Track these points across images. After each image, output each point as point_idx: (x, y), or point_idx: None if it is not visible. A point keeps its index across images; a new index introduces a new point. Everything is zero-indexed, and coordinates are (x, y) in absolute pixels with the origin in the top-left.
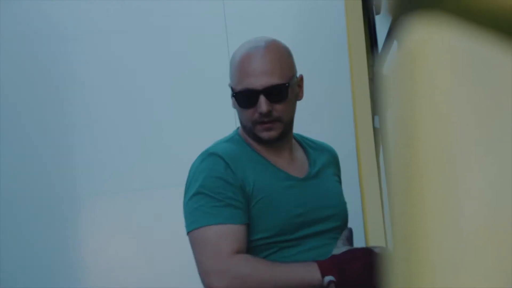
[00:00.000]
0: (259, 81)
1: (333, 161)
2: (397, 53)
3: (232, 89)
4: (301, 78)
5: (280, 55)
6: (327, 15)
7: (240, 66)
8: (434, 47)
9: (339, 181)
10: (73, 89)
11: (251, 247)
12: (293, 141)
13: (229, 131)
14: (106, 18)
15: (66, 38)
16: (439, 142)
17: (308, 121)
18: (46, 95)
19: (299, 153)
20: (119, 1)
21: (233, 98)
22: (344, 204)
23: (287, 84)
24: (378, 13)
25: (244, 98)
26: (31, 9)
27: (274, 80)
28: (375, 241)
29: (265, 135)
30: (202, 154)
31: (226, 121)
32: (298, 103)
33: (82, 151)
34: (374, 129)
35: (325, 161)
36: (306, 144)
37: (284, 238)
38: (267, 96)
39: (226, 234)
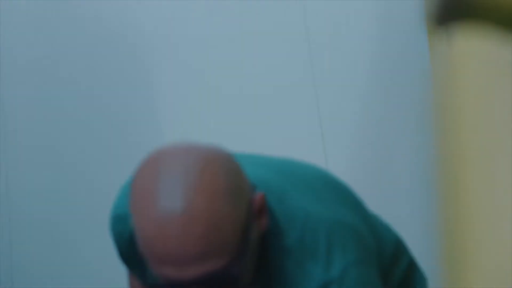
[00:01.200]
0: (186, 271)
1: None
2: (440, 61)
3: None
4: (261, 198)
5: (216, 211)
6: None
7: (146, 243)
8: (473, 57)
9: None
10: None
11: None
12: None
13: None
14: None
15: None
16: (480, 140)
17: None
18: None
19: None
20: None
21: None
22: None
23: (234, 265)
24: None
25: None
26: None
27: (211, 265)
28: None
29: None
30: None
31: (311, 127)
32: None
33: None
34: None
35: None
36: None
37: None
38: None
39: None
